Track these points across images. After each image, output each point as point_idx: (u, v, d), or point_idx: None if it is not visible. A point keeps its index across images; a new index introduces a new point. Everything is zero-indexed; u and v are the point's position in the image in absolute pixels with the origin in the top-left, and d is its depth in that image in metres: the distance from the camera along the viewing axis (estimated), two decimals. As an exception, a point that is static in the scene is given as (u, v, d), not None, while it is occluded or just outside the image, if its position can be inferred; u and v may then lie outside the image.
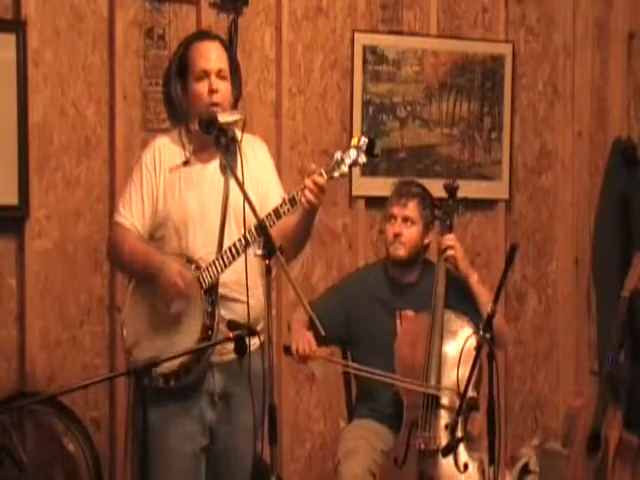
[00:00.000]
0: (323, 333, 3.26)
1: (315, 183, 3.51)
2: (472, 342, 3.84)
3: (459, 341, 4.08)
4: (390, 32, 5.36)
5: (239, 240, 3.57)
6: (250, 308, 3.57)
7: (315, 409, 5.23)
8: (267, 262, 3.24)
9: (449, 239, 4.28)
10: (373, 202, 5.24)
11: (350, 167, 3.53)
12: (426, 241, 4.37)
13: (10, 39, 4.56)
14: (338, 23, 5.25)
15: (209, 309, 3.60)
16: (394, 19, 5.39)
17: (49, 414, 4.55)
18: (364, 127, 5.23)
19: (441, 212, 4.35)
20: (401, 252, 4.31)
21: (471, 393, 3.87)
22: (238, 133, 3.64)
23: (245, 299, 3.60)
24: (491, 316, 3.61)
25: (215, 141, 3.53)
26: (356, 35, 5.25)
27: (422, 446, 4.05)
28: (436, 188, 4.43)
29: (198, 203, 3.68)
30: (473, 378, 3.74)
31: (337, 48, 5.26)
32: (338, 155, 3.54)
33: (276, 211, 3.55)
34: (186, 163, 3.71)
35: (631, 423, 4.73)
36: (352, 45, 5.25)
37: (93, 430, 4.70)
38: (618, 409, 4.63)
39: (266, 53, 5.11)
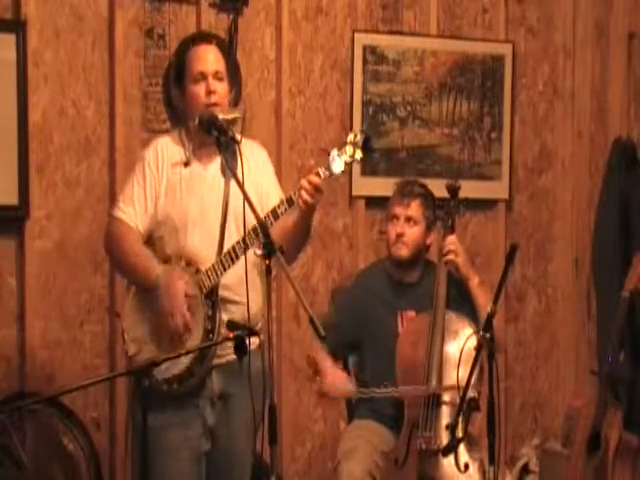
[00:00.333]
0: (323, 334, 3.25)
1: (311, 183, 3.52)
2: (472, 342, 3.83)
3: (460, 341, 4.08)
4: (390, 32, 5.36)
5: (238, 243, 3.57)
6: (249, 309, 3.58)
7: (315, 409, 5.22)
8: (267, 262, 3.24)
9: (451, 242, 4.26)
10: (373, 202, 5.24)
11: (347, 164, 3.54)
12: (428, 241, 4.37)
13: (10, 39, 4.56)
14: (338, 23, 5.25)
15: (210, 313, 3.60)
16: (394, 19, 5.39)
17: (49, 414, 4.55)
18: (364, 127, 5.22)
19: (443, 212, 4.35)
20: (403, 252, 4.31)
21: (471, 393, 3.87)
22: (238, 135, 3.64)
23: (243, 300, 3.60)
24: (491, 316, 3.61)
25: (216, 141, 3.53)
26: (356, 35, 5.25)
27: (423, 446, 4.04)
28: (436, 188, 4.43)
29: (198, 204, 3.68)
30: (473, 378, 3.74)
31: (337, 48, 5.25)
32: (335, 153, 3.55)
33: (274, 212, 3.56)
34: (187, 164, 3.71)
35: (631, 423, 4.72)
36: (352, 45, 5.25)
37: (93, 430, 4.70)
38: (618, 409, 4.63)
39: (266, 53, 5.11)
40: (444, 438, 4.02)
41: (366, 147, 3.56)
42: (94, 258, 4.71)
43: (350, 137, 3.57)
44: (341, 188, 5.25)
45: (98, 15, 4.76)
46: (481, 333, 3.60)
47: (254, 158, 3.75)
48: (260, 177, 3.75)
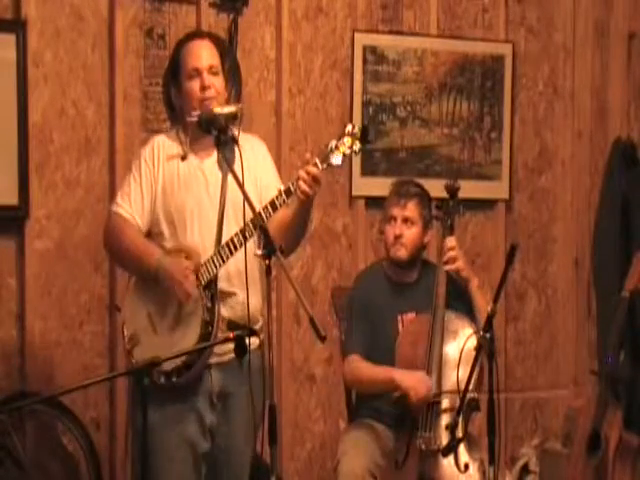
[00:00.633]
0: (323, 334, 3.25)
1: (309, 173, 3.52)
2: (472, 342, 3.83)
3: (460, 341, 4.08)
4: (390, 32, 5.36)
5: (236, 235, 3.58)
6: (249, 303, 3.59)
7: (315, 409, 5.22)
8: (267, 262, 3.25)
9: (450, 247, 4.24)
10: (373, 202, 5.24)
11: (345, 155, 3.54)
12: (425, 240, 4.37)
13: (10, 39, 4.56)
14: (338, 23, 5.25)
15: (209, 305, 3.60)
16: (394, 19, 5.39)
17: (49, 414, 4.55)
18: (365, 123, 5.22)
19: (442, 213, 4.34)
20: (402, 253, 4.30)
21: (471, 394, 3.87)
22: (236, 131, 3.64)
23: (243, 293, 3.60)
24: (491, 316, 3.61)
25: (215, 140, 3.54)
26: (356, 35, 5.25)
27: (422, 446, 4.04)
28: (436, 188, 4.43)
29: (196, 198, 3.69)
30: (473, 378, 3.74)
31: (337, 48, 5.25)
32: (333, 143, 3.56)
33: (272, 203, 3.57)
34: (184, 158, 3.72)
35: (631, 423, 4.73)
36: (352, 45, 5.25)
37: (93, 430, 4.70)
38: (618, 409, 4.63)
39: (266, 53, 5.11)
40: (444, 438, 4.02)
41: (364, 138, 3.56)
42: (94, 258, 4.71)
43: (348, 128, 3.58)
44: (341, 188, 5.26)
45: (98, 15, 4.76)
46: (481, 333, 3.60)
47: (253, 152, 3.75)
48: (260, 171, 3.76)
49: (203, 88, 3.67)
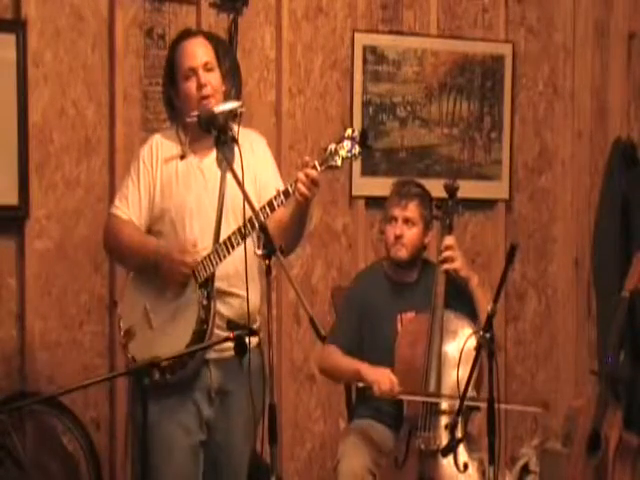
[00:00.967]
0: (323, 334, 3.25)
1: (308, 176, 3.53)
2: (472, 342, 3.83)
3: (459, 341, 4.08)
4: (390, 32, 5.36)
5: (234, 233, 3.58)
6: (245, 302, 3.59)
7: (315, 409, 5.23)
8: (267, 262, 3.25)
9: (448, 247, 4.24)
10: (373, 202, 5.24)
11: (344, 159, 3.55)
12: (426, 241, 4.37)
13: (10, 39, 4.56)
14: (338, 23, 5.25)
15: (204, 302, 3.61)
16: (394, 19, 5.39)
17: (49, 414, 4.55)
18: (365, 126, 5.22)
19: (441, 212, 4.35)
20: (403, 254, 4.30)
21: (471, 393, 3.87)
22: (235, 127, 3.64)
23: (241, 293, 3.61)
24: (491, 316, 3.61)
25: (215, 140, 3.54)
26: (356, 35, 5.25)
27: (422, 446, 4.05)
28: (436, 188, 4.43)
29: (195, 197, 3.69)
30: (473, 378, 3.74)
31: (337, 48, 5.26)
32: (332, 147, 3.56)
33: (270, 203, 3.57)
34: (183, 157, 3.73)
35: (631, 423, 4.73)
36: (352, 45, 5.25)
37: (93, 430, 4.70)
38: (618, 409, 4.63)
39: (266, 53, 5.11)
40: (443, 438, 4.03)
41: (363, 142, 3.56)
42: (94, 258, 4.71)
43: (348, 132, 3.58)
44: (341, 188, 5.26)
45: (98, 15, 4.76)
46: (481, 333, 3.60)
47: (252, 149, 3.75)
48: (259, 168, 3.76)
49: (200, 86, 3.67)
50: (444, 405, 4.10)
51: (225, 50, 4.62)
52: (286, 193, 3.57)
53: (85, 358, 4.75)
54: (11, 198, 4.59)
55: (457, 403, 3.79)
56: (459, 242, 4.39)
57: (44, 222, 4.67)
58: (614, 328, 4.69)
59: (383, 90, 5.33)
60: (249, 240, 3.59)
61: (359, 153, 3.57)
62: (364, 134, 3.57)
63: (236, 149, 3.57)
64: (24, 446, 4.53)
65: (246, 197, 3.40)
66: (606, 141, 5.77)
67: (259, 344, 3.64)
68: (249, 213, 3.47)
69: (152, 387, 3.47)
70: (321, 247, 5.23)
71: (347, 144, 3.55)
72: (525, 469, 5.51)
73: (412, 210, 4.30)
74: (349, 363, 4.23)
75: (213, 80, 3.70)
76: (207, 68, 3.70)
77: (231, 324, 3.57)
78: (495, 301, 3.65)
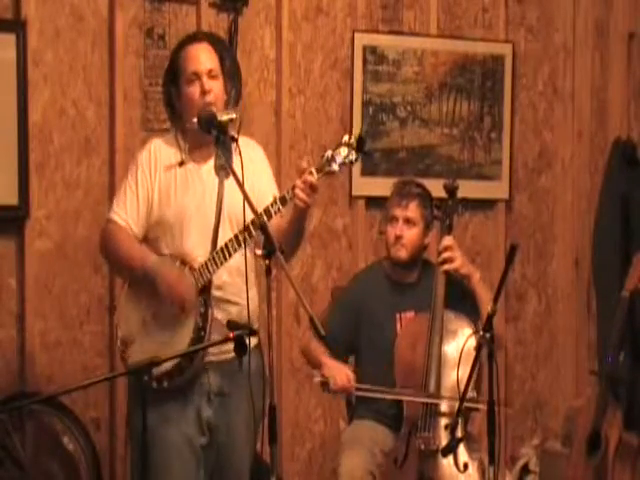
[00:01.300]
0: (323, 333, 3.26)
1: (306, 182, 3.52)
2: (472, 342, 3.83)
3: (459, 341, 4.08)
4: (390, 32, 5.36)
5: (231, 241, 3.58)
6: (244, 309, 3.59)
7: (315, 409, 5.23)
8: (267, 263, 3.24)
9: (446, 248, 4.24)
10: (373, 202, 5.24)
11: (341, 165, 3.54)
12: (426, 241, 4.37)
13: (10, 39, 4.56)
14: (338, 23, 5.25)
15: (202, 310, 3.60)
16: (394, 19, 5.39)
17: (49, 414, 4.55)
18: (364, 127, 5.23)
19: (441, 212, 4.35)
20: (403, 254, 4.31)
21: (471, 393, 3.87)
22: (234, 134, 3.64)
23: (239, 300, 3.61)
24: (491, 316, 3.61)
25: (215, 140, 3.53)
26: (356, 35, 5.25)
27: (422, 446, 4.05)
28: (436, 188, 4.43)
29: (193, 204, 3.69)
30: (473, 378, 3.74)
31: (337, 48, 5.26)
32: (329, 153, 3.56)
33: (267, 210, 3.56)
34: (182, 164, 3.72)
35: (631, 423, 4.73)
36: (352, 45, 5.25)
37: (93, 430, 4.70)
38: (618, 409, 4.63)
39: (266, 53, 5.11)
40: (443, 438, 4.03)
41: (360, 149, 3.56)
42: (94, 258, 4.70)
43: (345, 138, 3.58)
44: (341, 188, 5.26)
45: (98, 15, 4.76)
46: (481, 333, 3.60)
47: (251, 157, 3.75)
48: (257, 176, 3.75)
49: (203, 93, 3.66)
50: (444, 406, 4.10)
51: (226, 51, 4.62)
52: (283, 200, 3.56)
53: (85, 358, 4.75)
54: (11, 198, 4.59)
55: (457, 403, 3.79)
56: (459, 242, 4.39)
57: (44, 222, 4.67)
58: (614, 328, 4.69)
59: (383, 90, 5.33)
60: (248, 244, 3.59)
61: (356, 159, 3.56)
62: (361, 140, 3.56)
63: (236, 149, 3.56)
64: (24, 446, 4.53)
65: (246, 197, 3.39)
66: (606, 141, 5.77)
67: (259, 344, 3.65)
68: (248, 217, 3.46)
69: (153, 392, 3.48)
70: (321, 247, 5.23)
71: (344, 150, 3.55)
72: (525, 469, 5.51)
73: (413, 210, 4.30)
74: (318, 354, 4.27)
75: (216, 88, 3.69)
76: (211, 75, 3.69)
77: (231, 324, 3.57)
78: (495, 301, 3.65)
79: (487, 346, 3.58)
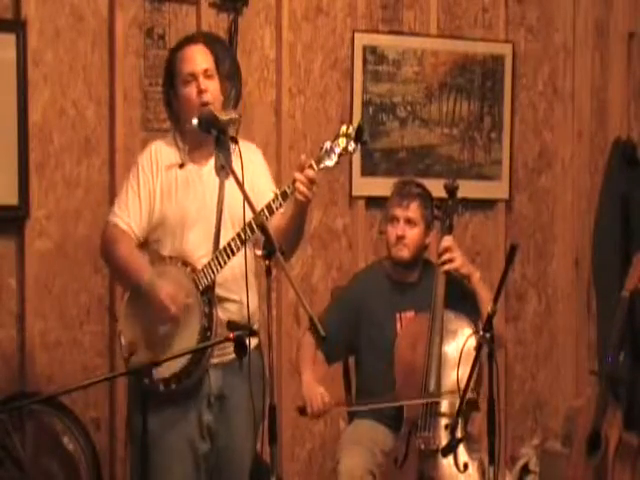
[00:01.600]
0: (323, 334, 3.26)
1: (306, 175, 3.53)
2: (472, 342, 3.83)
3: (459, 341, 4.08)
4: (390, 32, 5.36)
5: (233, 239, 3.58)
6: (243, 307, 3.58)
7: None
8: (267, 263, 3.24)
9: (446, 248, 4.24)
10: (373, 202, 5.24)
11: (340, 156, 3.55)
12: (427, 240, 4.37)
13: (10, 39, 4.56)
14: (338, 23, 5.25)
15: (206, 310, 3.60)
16: (394, 19, 5.39)
17: (49, 414, 4.54)
18: (361, 122, 5.22)
19: (441, 212, 4.35)
20: (404, 254, 4.30)
21: (471, 393, 3.87)
22: (234, 134, 3.64)
23: (238, 298, 3.61)
24: (491, 316, 3.61)
25: (215, 140, 3.53)
26: (356, 35, 5.25)
27: (422, 446, 4.05)
28: (436, 188, 4.43)
29: (194, 205, 3.69)
30: (473, 378, 3.74)
31: (337, 48, 5.25)
32: (327, 145, 3.57)
33: (269, 207, 3.57)
34: (182, 166, 3.72)
35: (631, 423, 4.73)
36: (352, 45, 5.25)
37: (93, 430, 4.70)
38: (618, 409, 4.64)
39: (266, 53, 5.10)
40: (443, 438, 4.03)
41: (359, 138, 3.56)
42: (94, 258, 4.69)
43: (342, 129, 3.59)
44: (341, 188, 5.26)
45: (98, 15, 4.76)
46: (481, 333, 3.60)
47: (250, 158, 3.75)
48: (256, 176, 3.76)
49: (200, 92, 3.67)
50: (444, 406, 4.10)
51: (225, 52, 4.62)
52: (284, 195, 3.57)
53: (85, 358, 4.75)
54: (11, 198, 4.59)
55: (457, 403, 3.80)
56: (459, 242, 4.39)
57: (44, 222, 4.67)
58: (614, 328, 4.69)
59: (383, 90, 5.33)
60: (248, 246, 3.59)
61: (354, 150, 3.57)
62: (359, 130, 3.57)
63: (235, 151, 3.57)
64: (24, 446, 4.53)
65: (246, 197, 3.39)
66: (606, 141, 5.77)
67: (259, 345, 3.65)
68: (249, 216, 3.46)
69: (153, 395, 3.47)
70: (321, 247, 5.23)
71: (342, 141, 3.56)
72: (525, 469, 5.51)
73: (414, 210, 4.30)
74: (304, 364, 4.29)
75: (212, 88, 3.70)
76: (207, 75, 3.70)
77: (231, 325, 3.57)
78: (495, 301, 3.65)
79: (487, 346, 3.58)
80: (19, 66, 4.56)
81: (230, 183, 3.52)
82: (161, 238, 3.71)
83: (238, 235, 3.57)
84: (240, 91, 4.80)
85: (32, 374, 4.62)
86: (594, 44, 5.79)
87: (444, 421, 4.07)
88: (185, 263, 3.64)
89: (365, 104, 5.29)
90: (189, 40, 3.85)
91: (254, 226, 3.49)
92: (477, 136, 5.54)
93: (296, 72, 5.16)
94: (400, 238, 4.29)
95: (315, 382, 4.20)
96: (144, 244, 3.75)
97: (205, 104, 3.64)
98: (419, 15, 5.44)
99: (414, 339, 4.20)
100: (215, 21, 4.93)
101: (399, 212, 4.31)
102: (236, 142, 3.59)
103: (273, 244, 3.26)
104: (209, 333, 3.58)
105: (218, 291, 3.65)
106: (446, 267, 4.22)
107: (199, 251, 3.65)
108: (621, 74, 5.80)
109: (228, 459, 3.74)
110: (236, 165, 3.48)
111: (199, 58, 3.72)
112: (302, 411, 4.17)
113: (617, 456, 4.58)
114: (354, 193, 5.28)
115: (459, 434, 3.93)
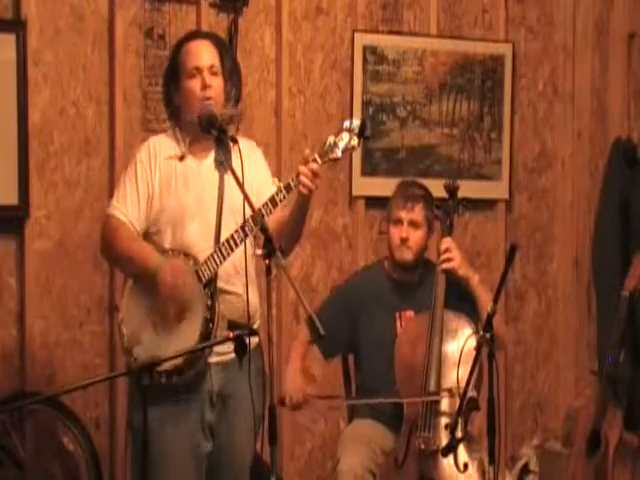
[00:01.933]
0: (322, 332, 3.26)
1: (310, 169, 3.53)
2: (472, 342, 3.83)
3: (459, 341, 4.09)
4: (390, 32, 5.36)
5: (236, 232, 3.58)
6: (245, 301, 3.59)
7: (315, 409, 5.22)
8: (267, 262, 3.25)
9: (446, 248, 4.25)
10: (373, 202, 5.24)
11: (344, 150, 3.56)
12: (428, 242, 4.37)
13: (10, 39, 4.56)
14: (338, 23, 5.25)
15: (209, 302, 3.60)
16: (394, 19, 5.39)
17: (49, 414, 4.54)
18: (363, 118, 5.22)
19: (441, 212, 4.35)
20: (408, 256, 4.30)
21: (471, 393, 3.87)
22: (234, 134, 3.64)
23: (240, 291, 3.60)
24: (491, 316, 3.61)
25: (215, 140, 3.54)
26: (356, 35, 5.25)
27: (422, 446, 4.05)
28: (436, 188, 4.43)
29: (194, 198, 3.69)
30: (473, 378, 3.74)
31: (337, 48, 5.26)
32: (331, 139, 3.58)
33: (272, 199, 3.58)
34: (182, 158, 3.72)
35: (631, 423, 4.73)
36: (352, 45, 5.25)
37: (93, 430, 4.70)
38: (618, 409, 4.64)
39: (266, 53, 5.11)
40: (443, 438, 4.03)
41: (362, 133, 3.57)
42: (94, 258, 4.70)
43: (346, 124, 3.60)
44: (341, 188, 5.26)
45: (98, 15, 4.76)
46: (481, 333, 3.60)
47: (249, 157, 3.75)
48: (255, 175, 3.75)
49: (204, 87, 3.67)
50: (444, 405, 4.10)
51: (227, 52, 4.62)
52: (288, 187, 3.58)
53: (85, 358, 4.75)
54: (11, 198, 4.59)
55: (457, 403, 3.80)
56: (459, 242, 4.40)
57: (44, 222, 4.67)
58: (614, 328, 4.70)
59: (383, 90, 5.33)
60: (248, 240, 3.60)
61: (358, 144, 3.58)
62: (362, 125, 3.58)
63: (235, 150, 3.57)
64: (24, 446, 4.53)
65: (246, 197, 3.39)
66: (606, 141, 5.77)
67: (259, 344, 3.65)
68: (249, 213, 3.47)
69: (154, 392, 3.47)
70: (321, 247, 5.23)
71: (346, 136, 3.57)
72: (525, 469, 5.51)
73: (418, 213, 4.30)
74: (291, 359, 4.37)
75: (216, 84, 3.70)
76: (212, 72, 3.71)
77: (231, 324, 3.58)
78: (495, 301, 3.65)
79: (487, 346, 3.58)
80: (19, 66, 4.57)
81: (230, 177, 3.52)
82: (161, 230, 3.70)
83: (242, 227, 3.57)
84: (240, 91, 4.80)
85: (32, 374, 4.62)
86: (594, 44, 5.79)
87: (444, 421, 4.08)
88: (187, 255, 3.64)
89: (365, 104, 5.29)
90: (195, 35, 3.86)
91: (259, 215, 3.49)
92: (477, 136, 5.54)
93: (296, 72, 5.16)
94: (404, 240, 4.29)
95: (297, 374, 4.26)
96: (144, 237, 3.74)
97: (208, 99, 3.65)
98: (419, 15, 5.44)
99: (414, 339, 4.21)
100: (215, 21, 4.93)
101: (403, 214, 4.30)
102: (236, 142, 3.59)
103: (273, 244, 3.26)
104: (211, 325, 3.58)
105: (220, 284, 3.65)
106: (444, 266, 4.22)
107: (199, 244, 3.64)
108: (621, 74, 5.80)
109: (229, 458, 3.74)
110: (236, 165, 3.49)
111: (206, 53, 3.72)
112: (282, 402, 4.20)
113: (617, 456, 4.58)
114: (354, 193, 5.28)
115: (459, 434, 3.93)
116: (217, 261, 3.60)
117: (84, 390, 4.57)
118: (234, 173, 3.42)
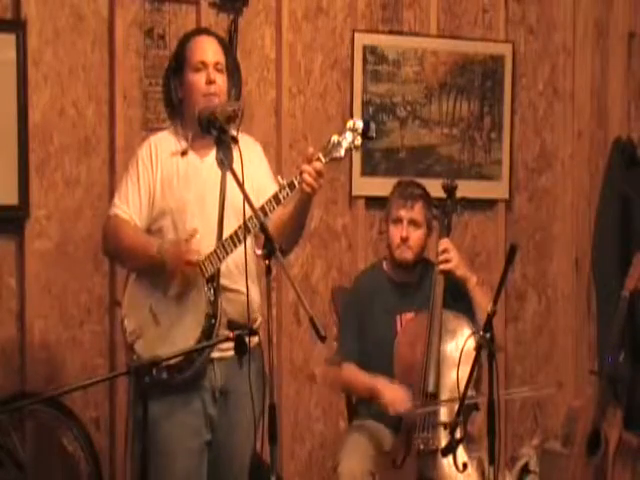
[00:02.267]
0: (323, 334, 3.26)
1: (313, 167, 3.53)
2: (471, 342, 3.83)
3: (458, 341, 4.09)
4: (390, 32, 5.36)
5: (240, 227, 3.58)
6: (248, 301, 3.59)
7: (315, 409, 5.22)
8: (267, 262, 3.24)
9: (444, 249, 4.24)
10: (373, 202, 5.24)
11: (347, 150, 3.56)
12: (428, 241, 4.37)
13: (10, 39, 4.56)
14: (338, 23, 5.26)
15: (211, 298, 3.60)
16: (394, 19, 5.39)
17: (49, 414, 4.54)
18: (365, 117, 5.22)
19: (440, 212, 4.35)
20: (408, 256, 4.30)
21: (471, 393, 3.87)
22: (234, 131, 3.64)
23: (242, 289, 3.60)
24: (491, 316, 3.61)
25: (216, 140, 3.54)
26: (356, 35, 5.25)
27: (421, 446, 4.05)
28: (436, 188, 4.43)
29: (196, 195, 3.69)
30: (472, 378, 3.74)
31: (337, 48, 5.26)
32: (334, 138, 3.58)
33: (275, 197, 3.57)
34: (184, 154, 3.72)
35: (631, 423, 4.73)
36: (352, 45, 5.25)
37: (93, 430, 4.70)
38: (618, 409, 4.64)
39: (266, 53, 5.11)
40: (442, 438, 4.03)
41: (365, 133, 3.58)
42: (94, 258, 4.71)
43: (349, 124, 3.60)
44: (341, 188, 5.26)
45: (98, 15, 4.77)
46: (481, 333, 3.60)
47: (249, 153, 3.75)
48: (255, 172, 3.75)
49: (209, 82, 3.68)
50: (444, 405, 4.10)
51: (229, 52, 4.62)
52: (291, 185, 3.57)
53: (85, 358, 4.75)
54: (11, 198, 4.59)
55: (457, 404, 3.79)
56: (459, 242, 4.40)
57: (44, 222, 4.67)
58: (614, 328, 4.70)
59: (383, 90, 5.33)
60: (249, 239, 3.59)
61: (361, 144, 3.58)
62: (366, 125, 3.59)
63: (236, 149, 3.57)
64: (24, 446, 4.53)
65: (246, 197, 3.39)
66: (606, 141, 5.77)
67: (259, 344, 3.65)
68: (249, 213, 3.47)
69: (156, 386, 3.47)
70: (321, 247, 5.23)
71: (349, 135, 3.57)
72: (525, 469, 5.51)
73: (418, 212, 4.30)
74: (364, 382, 4.23)
75: (220, 81, 3.71)
76: (217, 68, 3.71)
77: (231, 324, 3.58)
78: (495, 301, 3.64)
79: (487, 346, 3.58)
80: (19, 66, 4.57)
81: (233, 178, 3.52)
82: (163, 228, 3.70)
83: (245, 224, 3.57)
84: (240, 91, 4.79)
85: (32, 374, 4.62)
86: (594, 44, 5.79)
87: (443, 421, 4.07)
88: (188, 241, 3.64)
89: (365, 104, 5.29)
90: (201, 31, 3.88)
91: (262, 213, 3.49)
92: (477, 136, 5.54)
93: (296, 72, 5.16)
94: (404, 240, 4.29)
95: (395, 385, 4.15)
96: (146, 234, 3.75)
97: (212, 94, 3.65)
98: (419, 15, 5.44)
99: (413, 339, 4.21)
100: (215, 21, 4.93)
101: (403, 213, 4.30)
102: (236, 142, 3.59)
103: (273, 244, 3.26)
104: (214, 320, 3.58)
105: (223, 281, 3.65)
106: (442, 267, 4.22)
107: (201, 241, 3.64)
108: (621, 74, 5.80)
109: (228, 454, 3.74)
110: (236, 164, 3.49)
111: (212, 50, 3.73)
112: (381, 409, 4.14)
113: (617, 456, 4.58)
114: (354, 193, 5.28)
115: (458, 434, 3.93)
116: (220, 256, 3.60)
117: (84, 390, 4.57)
118: (235, 174, 3.42)
